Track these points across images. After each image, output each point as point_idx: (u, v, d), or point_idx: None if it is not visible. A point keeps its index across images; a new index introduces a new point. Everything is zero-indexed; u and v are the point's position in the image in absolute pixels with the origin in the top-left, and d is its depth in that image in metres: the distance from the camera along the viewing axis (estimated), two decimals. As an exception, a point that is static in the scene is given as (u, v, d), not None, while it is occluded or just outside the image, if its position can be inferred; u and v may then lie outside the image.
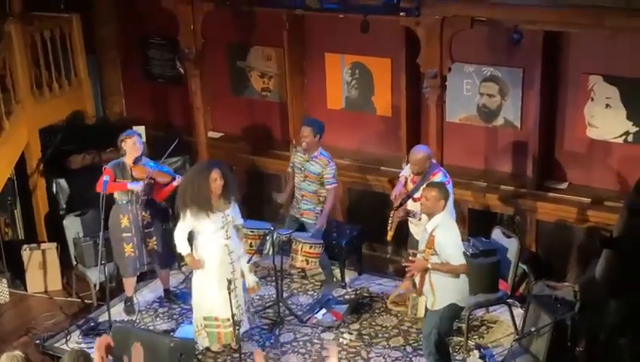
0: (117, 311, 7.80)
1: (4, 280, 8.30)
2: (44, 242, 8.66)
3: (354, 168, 8.98)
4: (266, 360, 7.02)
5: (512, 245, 7.27)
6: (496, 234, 7.49)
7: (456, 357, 7.06)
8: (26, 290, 8.44)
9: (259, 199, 9.36)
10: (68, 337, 7.54)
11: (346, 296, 8.10)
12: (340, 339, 7.39)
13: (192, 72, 8.98)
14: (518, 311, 7.36)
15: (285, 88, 9.34)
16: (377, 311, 7.84)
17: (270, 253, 7.47)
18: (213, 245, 6.81)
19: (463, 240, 6.48)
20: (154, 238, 7.67)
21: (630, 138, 7.86)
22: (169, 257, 7.90)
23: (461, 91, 8.50)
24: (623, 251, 6.18)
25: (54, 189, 8.82)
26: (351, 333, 7.49)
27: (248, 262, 7.18)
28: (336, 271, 8.26)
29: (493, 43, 8.15)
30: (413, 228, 7.44)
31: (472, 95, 8.51)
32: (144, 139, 7.97)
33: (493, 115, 8.49)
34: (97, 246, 7.55)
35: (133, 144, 7.46)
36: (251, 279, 7.10)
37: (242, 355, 6.85)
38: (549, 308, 6.60)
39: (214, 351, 7.21)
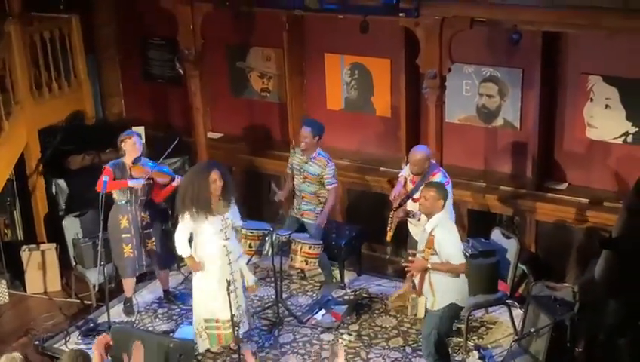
0: (116, 312, 7.80)
1: (4, 281, 8.30)
2: (44, 243, 8.66)
3: (353, 169, 8.98)
4: (258, 360, 7.03)
5: (511, 246, 7.27)
6: (496, 234, 7.49)
7: (456, 358, 7.06)
8: (25, 291, 8.44)
9: (258, 200, 9.36)
10: (67, 338, 7.53)
11: (346, 297, 8.10)
12: (340, 340, 7.38)
13: (192, 72, 8.98)
14: (518, 312, 7.36)
15: (285, 89, 9.34)
16: (377, 311, 7.84)
17: (269, 253, 7.47)
18: (212, 246, 6.80)
19: (462, 241, 6.48)
20: (153, 239, 7.67)
21: (629, 138, 7.86)
22: (168, 258, 7.89)
23: (460, 92, 8.50)
24: (622, 252, 6.18)
25: (53, 190, 8.82)
26: (350, 334, 7.49)
27: (248, 263, 7.18)
28: (336, 272, 8.26)
29: (493, 43, 8.15)
30: (413, 228, 7.44)
31: (471, 95, 8.51)
32: (143, 140, 7.97)
33: (493, 116, 8.49)
34: (96, 247, 7.55)
35: (132, 144, 7.46)
36: (250, 278, 7.10)
37: (241, 356, 6.85)
38: (549, 309, 6.59)
39: (214, 351, 7.21)
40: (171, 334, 7.42)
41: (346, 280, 8.30)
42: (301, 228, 7.92)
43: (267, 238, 7.39)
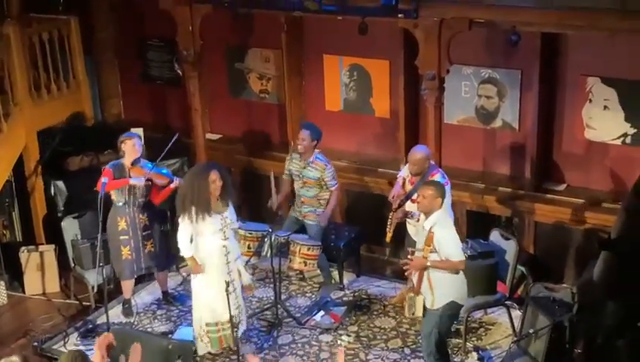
0: (115, 313, 7.79)
1: (2, 282, 8.29)
2: (42, 244, 8.65)
3: (352, 170, 8.98)
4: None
5: (510, 247, 7.27)
6: (495, 236, 7.49)
7: (455, 359, 7.05)
8: (24, 292, 8.43)
9: (257, 201, 9.36)
10: (66, 339, 7.52)
11: (345, 298, 8.09)
12: (339, 341, 7.37)
13: (190, 73, 8.97)
14: (517, 313, 7.36)
15: (283, 90, 9.34)
16: (375, 312, 7.84)
17: (268, 254, 7.46)
18: (212, 246, 6.81)
19: (461, 242, 6.47)
20: (151, 241, 7.66)
21: (628, 140, 7.87)
22: (167, 259, 7.90)
23: (459, 93, 8.50)
24: (620, 253, 6.18)
25: (52, 191, 8.81)
26: (349, 335, 7.45)
27: (246, 264, 7.18)
28: (335, 273, 8.26)
29: (491, 45, 8.16)
30: (411, 228, 7.44)
31: (470, 97, 8.52)
32: (142, 141, 7.96)
33: (492, 117, 8.49)
34: (95, 249, 7.54)
35: (132, 146, 7.46)
36: (247, 278, 7.11)
37: (240, 357, 6.85)
38: (547, 310, 6.60)
39: (213, 352, 7.20)
40: (170, 335, 7.41)
41: (345, 282, 8.30)
42: (300, 229, 7.92)
43: (266, 239, 7.39)
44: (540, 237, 8.13)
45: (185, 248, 6.84)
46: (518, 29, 7.15)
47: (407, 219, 7.43)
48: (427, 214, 6.34)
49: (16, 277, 8.50)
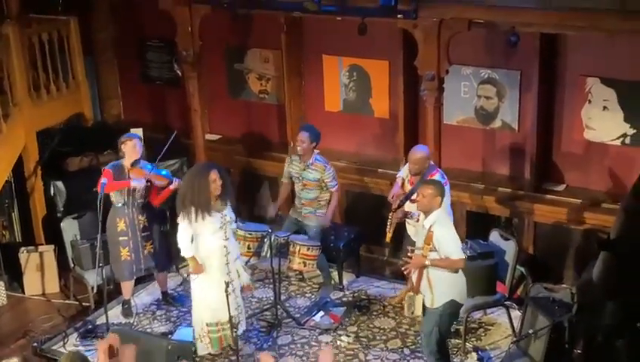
0: (114, 314, 7.79)
1: (2, 283, 8.28)
2: (42, 244, 8.65)
3: (352, 170, 8.98)
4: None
5: (509, 247, 7.27)
6: (494, 236, 7.50)
7: (454, 360, 7.05)
8: (24, 293, 8.42)
9: (256, 201, 9.37)
10: (65, 340, 7.52)
11: (344, 299, 8.10)
12: (338, 342, 7.39)
13: (190, 74, 8.97)
14: (516, 314, 7.36)
15: (283, 90, 9.34)
16: (375, 313, 7.84)
17: (268, 255, 7.47)
18: (213, 246, 6.82)
19: (460, 242, 6.47)
20: (151, 241, 7.66)
21: (627, 140, 7.87)
22: (166, 260, 7.90)
23: (459, 93, 8.50)
24: (620, 253, 6.18)
25: (52, 192, 8.81)
26: (349, 336, 7.49)
27: (246, 264, 7.19)
28: (334, 274, 8.26)
29: (491, 45, 8.16)
30: (411, 229, 7.45)
31: (469, 97, 8.52)
32: (142, 142, 7.96)
33: (491, 117, 8.50)
34: (95, 249, 7.54)
35: (133, 147, 7.46)
36: (245, 278, 7.12)
37: (240, 357, 6.86)
38: (547, 310, 6.60)
39: (213, 353, 7.20)
40: (170, 336, 7.42)
41: (345, 282, 8.30)
42: (300, 230, 7.92)
43: (266, 240, 7.40)
44: (539, 238, 8.14)
45: (185, 248, 6.85)
46: (517, 29, 7.16)
47: (407, 220, 7.44)
48: (427, 213, 6.34)
49: (15, 278, 8.50)
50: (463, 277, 6.39)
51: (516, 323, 7.19)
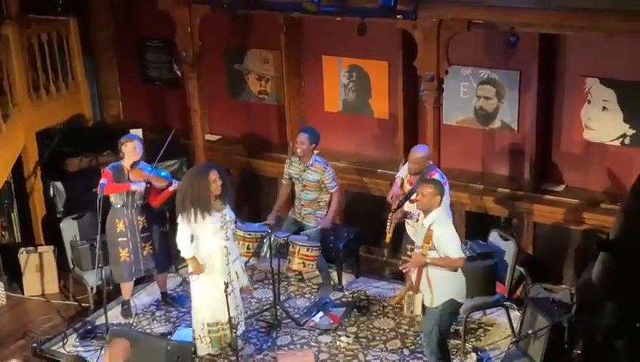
0: (114, 314, 7.79)
1: (1, 284, 8.28)
2: (41, 245, 8.65)
3: (351, 171, 8.98)
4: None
5: (509, 248, 7.28)
6: (494, 236, 7.50)
7: (454, 360, 7.05)
8: (23, 293, 8.42)
9: (256, 202, 9.36)
10: (65, 340, 7.52)
11: (343, 299, 8.10)
12: (337, 342, 7.39)
13: (190, 74, 8.97)
14: (516, 314, 7.36)
15: (282, 91, 9.34)
16: (374, 313, 7.84)
17: (267, 255, 7.47)
18: (214, 246, 6.82)
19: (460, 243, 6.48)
20: (150, 242, 7.66)
21: (627, 140, 7.87)
22: (166, 261, 7.90)
23: (458, 94, 8.50)
24: (619, 253, 6.18)
25: (51, 192, 8.81)
26: (348, 336, 7.49)
27: (246, 265, 7.19)
28: (334, 274, 8.26)
29: (490, 46, 8.16)
30: (410, 229, 7.44)
31: (469, 98, 8.52)
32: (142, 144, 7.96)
33: (490, 118, 8.50)
34: (94, 250, 7.54)
35: (133, 148, 7.46)
36: (244, 279, 7.12)
37: (239, 358, 6.86)
38: (546, 311, 6.60)
39: (212, 353, 7.20)
40: (169, 336, 7.41)
41: (344, 283, 8.30)
42: (299, 231, 7.92)
43: (265, 240, 7.40)
44: (538, 238, 8.14)
45: (185, 249, 6.84)
46: (516, 29, 7.16)
47: (407, 220, 7.44)
48: (426, 212, 6.35)
49: (15, 278, 8.50)
50: (463, 276, 6.39)
51: (516, 324, 7.19)
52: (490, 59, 8.27)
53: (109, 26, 10.28)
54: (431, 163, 7.37)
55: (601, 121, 7.93)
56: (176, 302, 8.05)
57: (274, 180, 9.15)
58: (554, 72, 8.05)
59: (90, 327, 7.68)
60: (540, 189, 8.23)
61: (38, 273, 8.40)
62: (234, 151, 9.67)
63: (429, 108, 7.74)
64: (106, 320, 7.38)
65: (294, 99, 9.31)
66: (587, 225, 7.82)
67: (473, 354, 7.16)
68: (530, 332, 6.55)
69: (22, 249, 8.47)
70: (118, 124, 10.28)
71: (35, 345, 7.53)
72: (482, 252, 7.18)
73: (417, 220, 7.03)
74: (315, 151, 7.80)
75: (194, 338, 7.06)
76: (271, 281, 7.70)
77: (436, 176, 7.16)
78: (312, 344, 7.39)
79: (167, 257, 7.89)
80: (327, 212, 7.90)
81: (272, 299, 7.76)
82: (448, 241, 6.25)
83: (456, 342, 7.22)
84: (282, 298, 7.96)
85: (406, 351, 7.27)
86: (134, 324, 7.76)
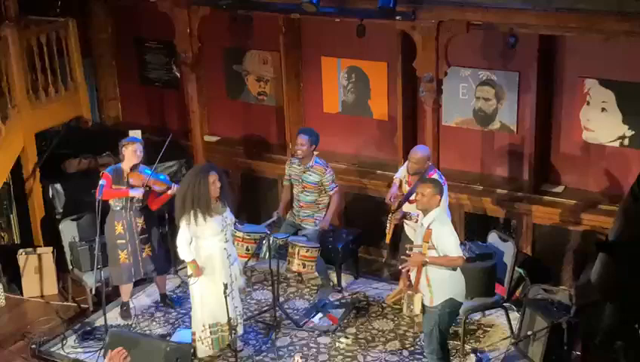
0: (113, 316, 7.80)
1: (0, 285, 8.29)
2: (40, 246, 8.64)
3: (350, 172, 8.98)
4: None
5: (508, 249, 7.28)
6: (493, 237, 7.50)
7: (453, 361, 7.06)
8: (22, 295, 8.42)
9: (255, 203, 9.36)
10: (64, 342, 7.51)
11: (343, 300, 8.10)
12: (337, 343, 7.39)
13: (189, 75, 8.97)
14: (515, 315, 7.36)
15: (281, 92, 9.35)
16: (374, 314, 7.84)
17: (267, 256, 7.47)
18: (214, 248, 6.82)
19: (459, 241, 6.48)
20: (149, 245, 7.65)
21: (626, 142, 7.88)
22: (165, 263, 7.90)
23: (457, 95, 8.51)
24: (618, 255, 6.18)
25: (50, 194, 8.80)
26: (347, 337, 7.49)
27: (245, 266, 7.19)
28: (333, 275, 8.26)
29: (489, 47, 8.17)
30: (409, 230, 7.45)
31: (468, 99, 8.52)
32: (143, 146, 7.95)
33: (490, 119, 8.50)
34: (93, 251, 7.54)
35: (133, 151, 7.45)
36: (241, 282, 7.14)
37: (238, 359, 6.86)
38: (546, 312, 6.61)
39: (211, 354, 7.20)
40: (168, 338, 7.41)
41: (343, 284, 8.30)
42: (297, 233, 7.92)
43: (264, 241, 7.39)
44: (537, 239, 8.14)
45: (184, 252, 6.84)
46: (515, 31, 7.16)
47: (406, 221, 7.44)
48: (425, 212, 6.36)
49: (14, 280, 8.49)
50: (462, 276, 6.40)
51: (515, 325, 7.19)
52: (489, 60, 8.27)
53: (108, 27, 10.29)
54: (430, 163, 7.37)
55: (600, 122, 7.94)
56: (176, 303, 8.05)
57: (273, 181, 9.16)
58: (553, 74, 8.06)
59: (89, 329, 7.68)
60: (539, 190, 8.23)
61: (37, 274, 8.40)
62: (233, 152, 9.67)
63: (428, 109, 7.74)
64: (105, 322, 7.38)
65: (293, 100, 9.32)
66: (586, 226, 7.82)
67: (472, 355, 7.16)
68: (529, 333, 6.55)
69: (21, 250, 8.46)
70: (117, 125, 10.29)
71: (34, 346, 7.53)
72: (481, 253, 7.18)
73: (417, 220, 7.03)
74: (315, 153, 7.81)
75: (194, 341, 7.05)
76: (270, 282, 7.69)
77: (435, 176, 7.17)
78: (312, 345, 7.39)
79: (167, 259, 7.89)
80: (325, 213, 7.90)
81: (271, 300, 7.76)
82: (447, 240, 6.26)
83: (456, 343, 7.22)
84: (281, 299, 7.96)
85: (405, 352, 7.27)
86: (133, 326, 7.76)
